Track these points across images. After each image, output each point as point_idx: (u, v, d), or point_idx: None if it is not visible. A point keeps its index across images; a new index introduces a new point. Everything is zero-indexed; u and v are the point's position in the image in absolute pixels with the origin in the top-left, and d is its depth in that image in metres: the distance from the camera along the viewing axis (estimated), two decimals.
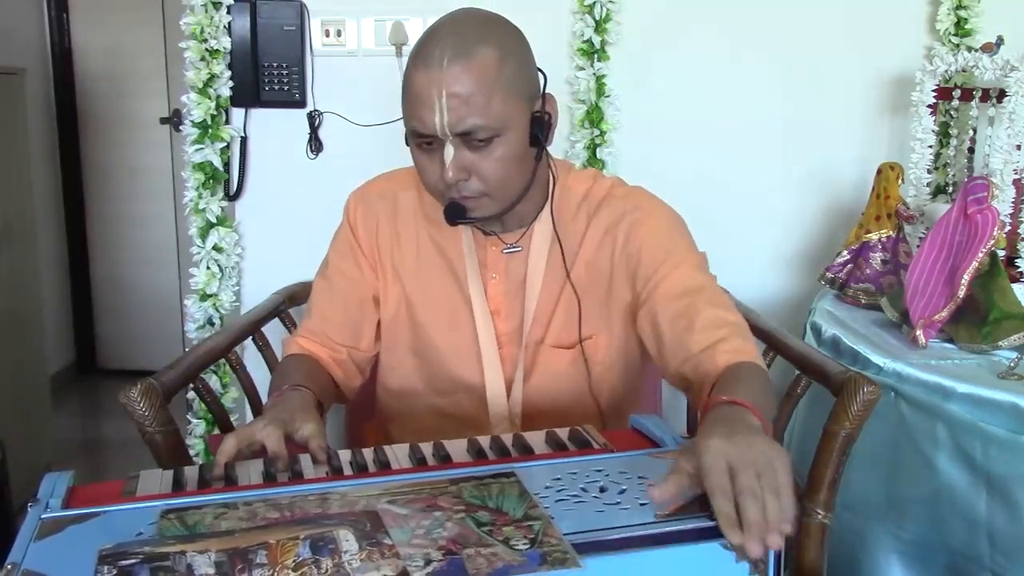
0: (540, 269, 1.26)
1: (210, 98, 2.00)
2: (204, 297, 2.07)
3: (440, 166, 1.12)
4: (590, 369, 1.28)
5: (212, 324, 2.08)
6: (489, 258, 1.27)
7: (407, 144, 1.18)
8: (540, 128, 1.16)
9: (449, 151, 1.11)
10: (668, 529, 0.78)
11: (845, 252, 1.80)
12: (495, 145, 1.11)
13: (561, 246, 1.25)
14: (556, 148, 1.21)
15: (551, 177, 1.25)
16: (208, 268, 2.06)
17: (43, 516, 0.83)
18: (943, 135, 1.91)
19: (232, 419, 1.96)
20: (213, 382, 2.04)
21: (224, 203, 2.06)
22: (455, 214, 1.16)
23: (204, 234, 2.06)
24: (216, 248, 2.06)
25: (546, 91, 1.18)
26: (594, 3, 1.95)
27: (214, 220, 2.05)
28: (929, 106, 1.81)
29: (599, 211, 1.26)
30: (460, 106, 1.08)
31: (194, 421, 2.09)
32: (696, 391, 1.11)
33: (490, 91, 1.09)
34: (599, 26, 1.96)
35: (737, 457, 0.79)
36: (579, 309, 1.25)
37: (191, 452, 2.01)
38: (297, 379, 1.18)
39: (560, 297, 1.26)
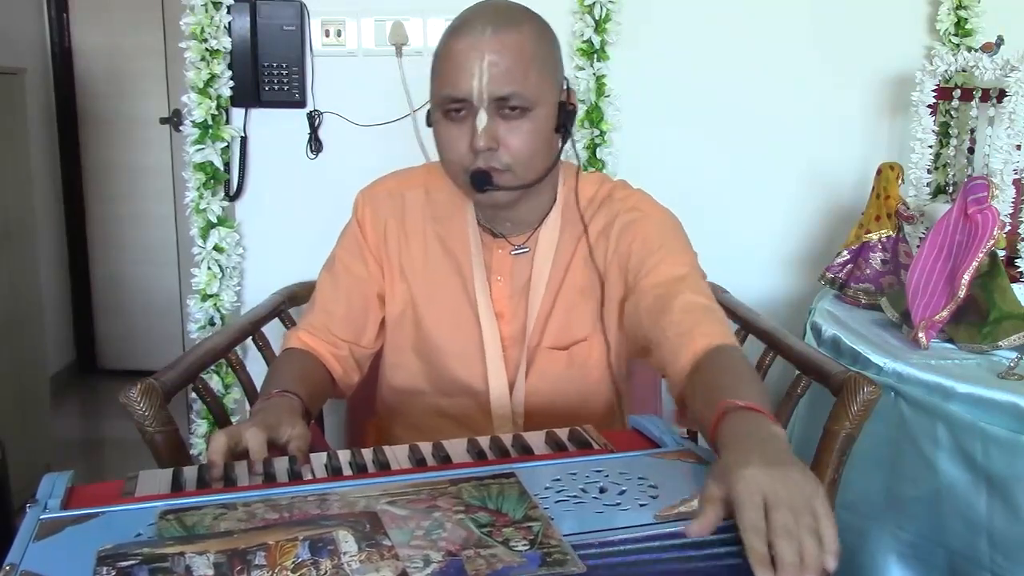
0: (545, 272, 1.26)
1: (211, 98, 2.00)
2: (205, 297, 2.07)
3: (469, 135, 1.13)
4: (590, 371, 1.28)
5: (213, 324, 2.08)
6: (495, 260, 1.28)
7: (428, 124, 1.19)
8: (567, 117, 1.19)
9: (482, 118, 1.12)
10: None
11: (845, 252, 1.79)
12: (526, 119, 1.13)
13: (592, 240, 1.25)
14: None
15: (561, 179, 1.27)
16: (209, 268, 2.06)
17: (42, 517, 0.83)
18: (943, 135, 1.91)
19: (234, 420, 1.96)
20: (215, 382, 2.04)
21: (225, 203, 2.06)
22: (482, 181, 1.15)
23: (205, 234, 2.06)
24: (217, 248, 2.06)
25: (570, 86, 1.21)
26: (594, 3, 1.95)
27: (215, 220, 2.05)
28: (929, 106, 1.81)
29: (598, 213, 1.27)
30: (500, 73, 1.11)
31: (197, 421, 2.09)
32: (673, 378, 1.09)
33: (529, 63, 1.12)
34: (599, 26, 1.96)
35: (773, 493, 0.75)
36: (581, 312, 1.26)
37: (194, 452, 2.00)
38: (287, 383, 1.18)
39: (560, 299, 1.27)
